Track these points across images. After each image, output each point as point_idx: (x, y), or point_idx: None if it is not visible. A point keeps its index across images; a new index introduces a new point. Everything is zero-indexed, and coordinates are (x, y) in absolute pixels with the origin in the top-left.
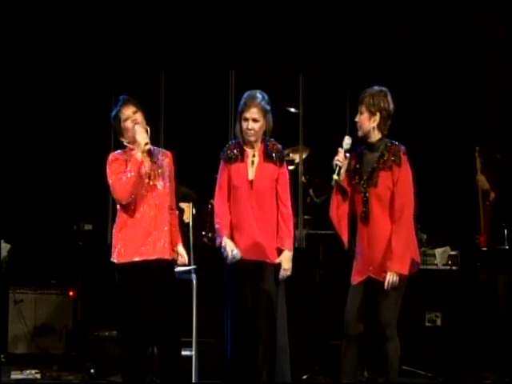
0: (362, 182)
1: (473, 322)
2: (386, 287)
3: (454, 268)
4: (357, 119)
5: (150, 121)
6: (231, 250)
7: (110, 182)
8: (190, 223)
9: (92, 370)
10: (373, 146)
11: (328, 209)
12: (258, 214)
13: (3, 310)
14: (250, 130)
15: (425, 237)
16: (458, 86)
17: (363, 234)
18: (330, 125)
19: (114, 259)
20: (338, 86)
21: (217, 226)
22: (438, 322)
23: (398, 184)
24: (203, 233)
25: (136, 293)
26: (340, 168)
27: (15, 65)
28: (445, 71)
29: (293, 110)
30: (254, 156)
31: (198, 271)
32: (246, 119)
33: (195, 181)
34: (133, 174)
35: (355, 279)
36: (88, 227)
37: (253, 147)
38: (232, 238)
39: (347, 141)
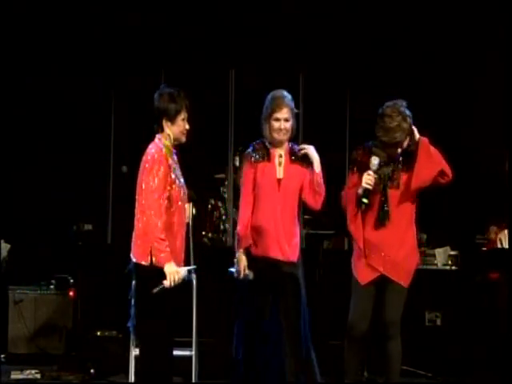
0: (380, 183)
1: (473, 322)
2: None
3: (453, 268)
4: (398, 152)
5: (151, 121)
6: (243, 269)
7: (150, 197)
8: (190, 223)
9: (92, 370)
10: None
11: (327, 208)
12: (282, 213)
13: (3, 310)
14: (282, 129)
15: (425, 237)
16: (454, 87)
17: (377, 233)
18: (330, 125)
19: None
20: (338, 86)
21: (238, 234)
22: (438, 321)
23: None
24: (203, 233)
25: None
26: (369, 191)
27: (15, 64)
28: (444, 70)
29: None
30: (280, 156)
31: (198, 271)
32: (278, 119)
33: (195, 181)
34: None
35: (364, 278)
36: (88, 227)
37: (279, 147)
38: (253, 237)
39: (374, 161)
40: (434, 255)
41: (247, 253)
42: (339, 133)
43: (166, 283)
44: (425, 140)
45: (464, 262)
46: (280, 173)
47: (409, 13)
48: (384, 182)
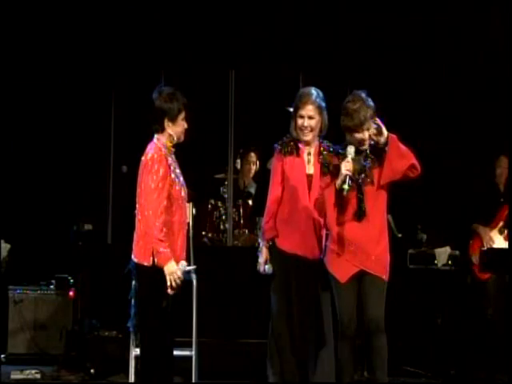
0: (355, 180)
1: (472, 322)
2: None
3: (453, 268)
4: (365, 136)
5: (151, 120)
6: (264, 262)
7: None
8: (190, 223)
9: (92, 370)
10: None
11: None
12: (313, 208)
13: (3, 310)
14: (306, 127)
15: (425, 237)
16: (454, 87)
17: (354, 230)
18: (329, 125)
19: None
20: (338, 85)
21: (262, 226)
22: (438, 321)
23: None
24: (203, 233)
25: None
26: (350, 177)
27: (16, 65)
28: (444, 71)
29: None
30: (309, 154)
31: (198, 271)
32: (302, 116)
33: (195, 181)
34: (158, 256)
35: (344, 276)
36: (88, 227)
37: (308, 145)
38: (281, 230)
39: (350, 150)
40: (434, 255)
41: (272, 245)
42: (339, 132)
43: (170, 291)
44: (393, 136)
45: (464, 261)
46: (310, 169)
47: (409, 13)
48: (358, 178)
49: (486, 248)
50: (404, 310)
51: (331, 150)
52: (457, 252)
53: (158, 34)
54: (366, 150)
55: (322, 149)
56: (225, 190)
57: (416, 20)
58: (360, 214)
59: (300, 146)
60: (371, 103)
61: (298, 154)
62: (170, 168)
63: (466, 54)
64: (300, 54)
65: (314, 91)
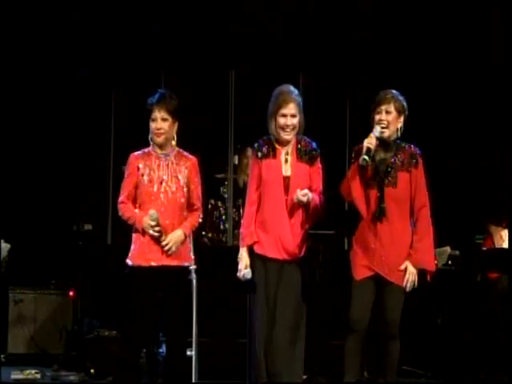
0: (377, 180)
1: (473, 322)
2: (406, 284)
3: (453, 268)
4: (383, 117)
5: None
6: (244, 268)
7: (121, 189)
8: None
9: (92, 370)
10: (388, 145)
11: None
12: (291, 211)
13: (3, 310)
14: (290, 125)
15: None
16: (454, 88)
17: (375, 231)
18: (330, 125)
19: (129, 260)
20: (338, 86)
21: (241, 231)
22: (438, 321)
23: (417, 185)
24: (203, 233)
25: (142, 295)
26: (370, 150)
27: (16, 65)
28: (444, 71)
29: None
30: (287, 154)
31: (198, 271)
32: (285, 115)
33: None
34: (129, 221)
35: (360, 274)
36: (88, 227)
37: (285, 145)
38: (258, 235)
39: (378, 128)
40: None
41: (251, 250)
42: (339, 132)
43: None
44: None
45: (464, 261)
46: (287, 170)
47: (409, 13)
48: (380, 177)
49: (485, 248)
50: (404, 310)
51: (312, 144)
52: (457, 252)
53: (158, 35)
54: (393, 147)
55: (299, 145)
56: (225, 189)
57: (416, 20)
58: (379, 214)
59: (277, 146)
60: (404, 101)
61: (275, 156)
62: (136, 170)
63: (466, 53)
64: (300, 54)
65: (293, 89)
